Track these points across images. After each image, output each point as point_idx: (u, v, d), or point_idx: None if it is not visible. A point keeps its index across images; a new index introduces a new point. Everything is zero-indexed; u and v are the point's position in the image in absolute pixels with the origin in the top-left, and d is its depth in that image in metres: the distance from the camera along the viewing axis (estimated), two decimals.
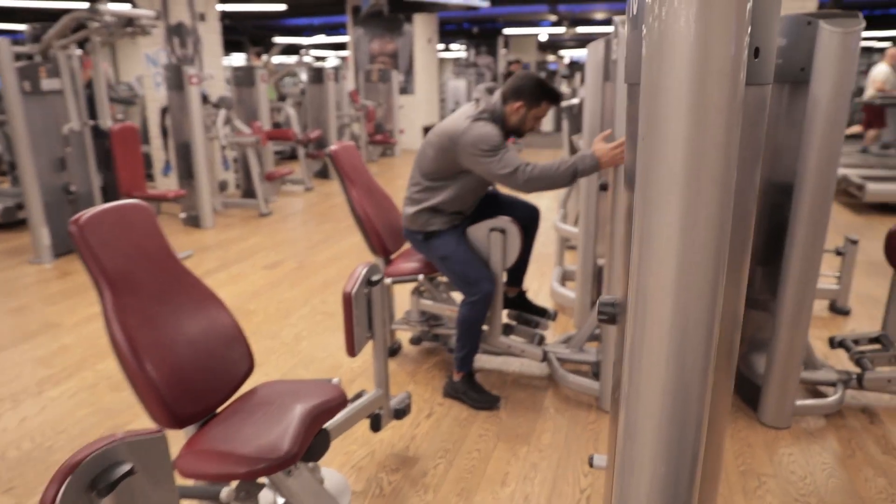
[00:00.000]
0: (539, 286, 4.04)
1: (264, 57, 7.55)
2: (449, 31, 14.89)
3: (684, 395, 0.82)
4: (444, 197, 2.56)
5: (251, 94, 6.72)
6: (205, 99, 6.07)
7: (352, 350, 1.89)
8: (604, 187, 2.56)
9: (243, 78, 6.68)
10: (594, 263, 3.24)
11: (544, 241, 5.08)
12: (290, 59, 9.53)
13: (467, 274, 2.53)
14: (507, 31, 15.56)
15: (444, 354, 3.03)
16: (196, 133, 5.40)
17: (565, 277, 3.89)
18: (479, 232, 2.56)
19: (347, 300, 1.84)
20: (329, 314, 3.59)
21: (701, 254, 0.75)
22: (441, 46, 14.15)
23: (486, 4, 7.84)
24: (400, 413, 2.15)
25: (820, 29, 2.08)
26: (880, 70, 7.77)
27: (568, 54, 23.56)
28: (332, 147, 2.79)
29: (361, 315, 1.90)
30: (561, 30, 14.39)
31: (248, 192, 6.59)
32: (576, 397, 2.65)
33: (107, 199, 5.22)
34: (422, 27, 11.22)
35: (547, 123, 15.12)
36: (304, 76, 9.02)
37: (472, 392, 2.60)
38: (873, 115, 7.93)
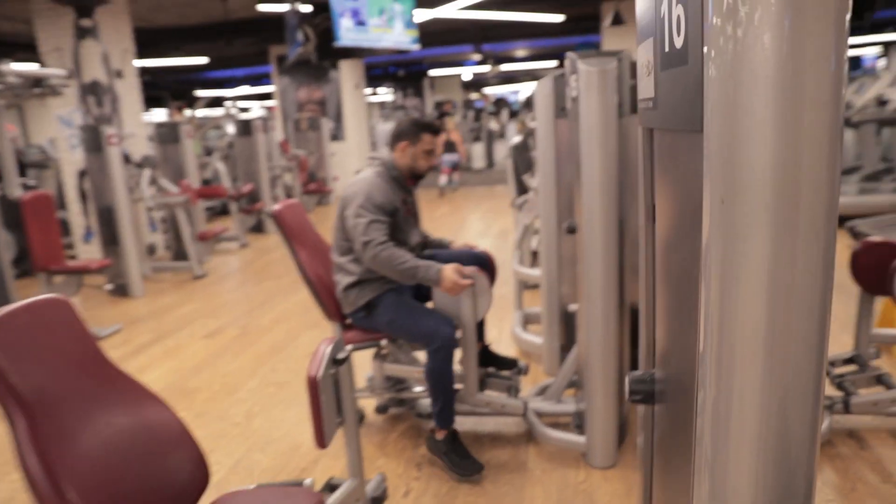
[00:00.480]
0: (499, 332, 3.88)
1: (188, 111, 7.23)
2: (375, 75, 14.91)
3: (788, 469, 0.64)
4: (364, 266, 2.44)
5: (176, 151, 6.39)
6: (126, 159, 5.70)
7: (322, 441, 1.65)
8: (572, 230, 2.45)
9: (167, 134, 6.35)
10: (560, 306, 3.11)
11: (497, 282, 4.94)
12: (215, 112, 9.21)
13: (419, 327, 2.38)
14: (433, 72, 15.74)
15: (412, 420, 2.80)
16: (119, 196, 5.03)
17: (527, 321, 3.75)
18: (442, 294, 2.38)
19: (313, 385, 1.61)
20: (280, 384, 3.29)
21: (803, 311, 0.59)
22: (368, 90, 14.13)
23: (416, 47, 7.83)
24: (378, 501, 1.92)
25: None
26: None
27: (492, 92, 24.10)
28: (276, 207, 2.57)
29: (329, 400, 1.67)
30: (486, 68, 14.66)
31: (180, 254, 6.19)
32: (560, 454, 2.47)
33: (20, 275, 4.75)
34: (349, 73, 11.15)
35: (479, 160, 15.27)
36: (230, 129, 8.72)
37: (454, 455, 2.38)
38: None
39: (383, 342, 2.50)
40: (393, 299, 2.44)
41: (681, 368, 0.79)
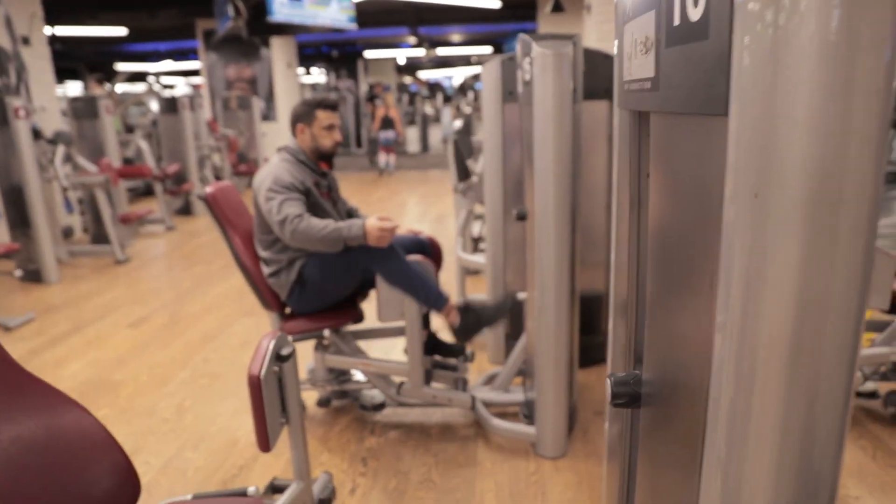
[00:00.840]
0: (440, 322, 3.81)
1: (107, 86, 6.74)
2: (308, 55, 14.44)
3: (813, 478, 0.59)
4: (288, 252, 2.38)
5: (94, 127, 5.94)
6: (37, 134, 5.26)
7: (265, 444, 1.53)
8: (522, 217, 2.40)
9: (84, 109, 5.89)
10: (504, 292, 3.08)
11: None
12: (136, 88, 8.66)
13: (356, 259, 2.31)
14: (367, 53, 15.41)
15: (356, 412, 2.70)
16: (29, 174, 4.62)
17: None
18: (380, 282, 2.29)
19: (255, 385, 1.49)
20: (214, 376, 3.12)
21: (837, 318, 0.54)
22: (301, 71, 13.68)
23: (353, 27, 7.59)
24: (325, 502, 1.82)
25: None
26: None
27: (426, 76, 23.90)
28: (208, 189, 2.39)
29: (273, 399, 1.56)
30: (420, 52, 14.48)
31: (99, 238, 5.80)
32: (509, 445, 2.44)
33: None
34: (280, 51, 10.74)
35: (413, 144, 15.13)
36: (154, 105, 8.23)
37: (485, 315, 2.48)
38: None
39: (326, 332, 2.38)
40: (319, 257, 2.36)
41: (680, 371, 0.74)
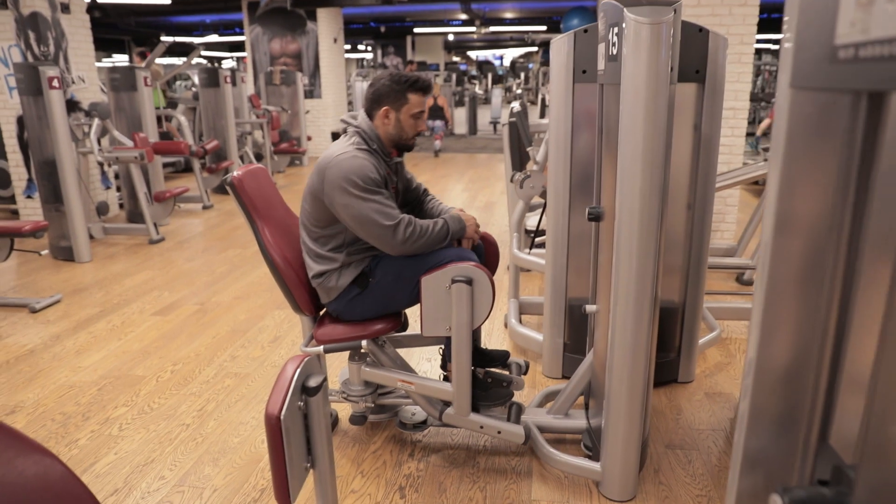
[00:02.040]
0: (489, 322, 3.48)
1: (149, 57, 6.56)
2: (355, 30, 14.13)
3: None
4: (347, 250, 2.08)
5: (132, 100, 5.75)
6: (74, 106, 5.09)
7: (285, 496, 1.23)
8: (596, 217, 2.03)
9: (122, 81, 5.70)
10: (566, 300, 2.72)
11: None
12: (176, 60, 8.48)
13: (437, 258, 2.00)
14: (417, 30, 15.00)
15: (394, 429, 2.40)
16: (62, 147, 4.44)
17: (521, 311, 3.36)
18: (435, 284, 1.95)
19: (275, 427, 1.19)
20: (240, 377, 2.86)
21: None
22: (347, 46, 13.38)
23: None
24: None
25: None
26: None
27: (475, 55, 23.35)
28: (235, 173, 2.09)
29: (297, 441, 1.25)
30: (471, 29, 14.00)
31: (135, 216, 5.64)
32: (569, 480, 2.10)
33: None
34: (326, 25, 10.44)
35: (461, 126, 14.70)
36: (196, 79, 8.03)
37: (478, 390, 2.16)
38: None
39: (364, 342, 2.07)
40: (390, 259, 2.06)
41: None
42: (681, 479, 2.10)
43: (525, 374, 2.40)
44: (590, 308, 2.15)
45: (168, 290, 4.05)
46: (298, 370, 1.27)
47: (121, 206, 6.27)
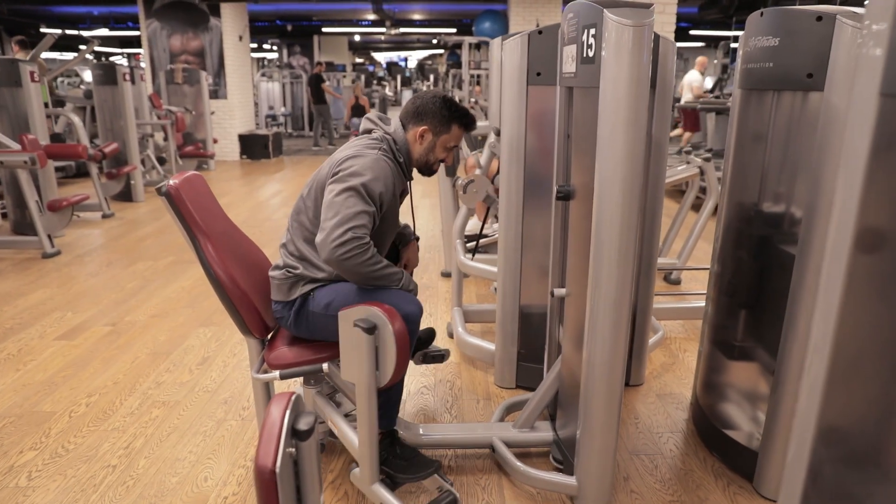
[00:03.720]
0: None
1: (33, 51, 5.91)
2: (260, 27, 13.56)
3: None
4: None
5: (15, 97, 5.15)
6: None
7: None
8: (567, 196, 1.96)
9: (4, 76, 5.09)
10: (519, 306, 2.66)
11: (421, 265, 4.42)
12: (65, 56, 7.76)
13: (366, 297, 1.83)
14: (325, 29, 14.62)
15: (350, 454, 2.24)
16: None
17: (465, 319, 3.27)
18: (347, 321, 1.62)
19: (268, 481, 1.02)
20: (169, 406, 2.58)
21: None
22: (252, 45, 12.82)
23: None
24: None
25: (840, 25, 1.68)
26: (694, 77, 8.31)
27: (381, 57, 23.13)
28: (171, 182, 1.86)
29: (288, 494, 1.09)
30: (380, 30, 13.82)
31: (22, 226, 5.06)
32: (541, 496, 2.03)
33: None
34: (231, 21, 9.93)
35: None
36: (88, 76, 7.35)
37: (397, 460, 1.91)
38: (689, 119, 8.46)
39: (325, 366, 1.90)
40: (337, 284, 1.89)
41: None
42: (651, 486, 2.08)
43: (445, 360, 2.43)
44: (559, 291, 2.08)
45: (71, 310, 3.64)
46: (286, 411, 1.10)
47: (3, 216, 5.62)
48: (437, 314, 3.62)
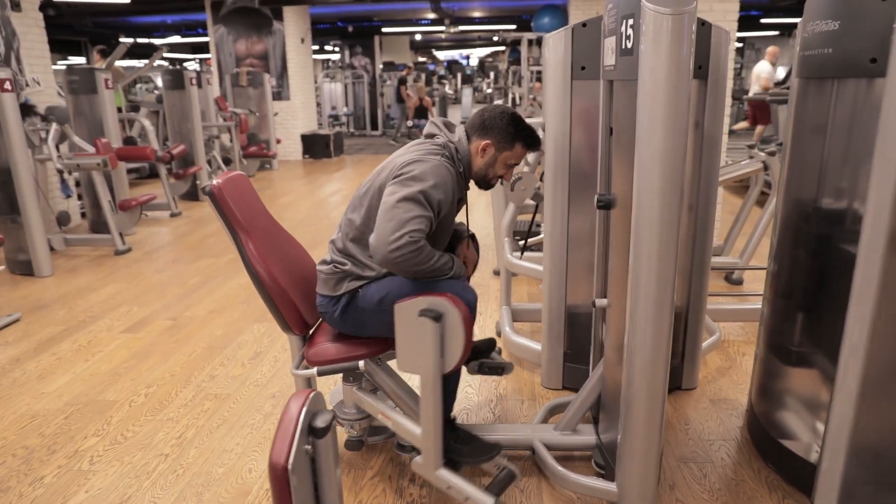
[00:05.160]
0: (478, 329, 3.36)
1: (109, 59, 6.25)
2: (322, 29, 13.86)
3: None
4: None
5: (92, 103, 5.46)
6: (30, 110, 4.80)
7: None
8: (607, 205, 1.90)
9: (81, 84, 5.40)
10: (566, 306, 2.60)
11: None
12: (141, 63, 8.17)
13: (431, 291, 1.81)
14: (385, 29, 14.79)
15: (392, 451, 2.25)
16: (17, 154, 4.16)
17: (514, 318, 3.23)
18: (406, 313, 1.67)
19: (281, 478, 1.03)
20: (221, 398, 2.67)
21: None
22: (314, 47, 13.13)
23: None
24: None
25: None
26: (764, 68, 7.92)
27: (443, 55, 23.21)
28: (214, 182, 1.91)
29: (304, 490, 1.10)
30: (440, 28, 13.86)
31: (98, 225, 5.36)
32: (581, 500, 1.98)
33: None
34: (293, 25, 10.19)
35: None
36: (160, 81, 7.72)
37: (457, 444, 1.93)
38: (759, 111, 8.07)
39: (361, 363, 1.91)
40: (388, 280, 1.89)
41: None
42: (698, 496, 1.99)
43: (509, 372, 2.34)
44: (600, 302, 2.02)
45: (137, 304, 3.82)
46: (305, 409, 1.11)
47: (83, 215, 5.97)
48: (486, 313, 3.59)
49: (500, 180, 2.02)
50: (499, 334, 3.22)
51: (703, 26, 2.25)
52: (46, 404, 2.65)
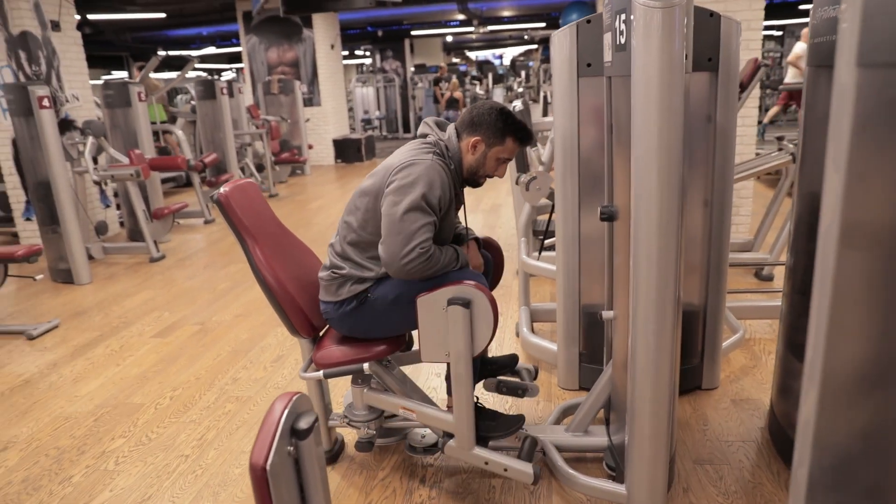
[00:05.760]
0: (500, 332, 3.35)
1: (141, 73, 6.46)
2: (352, 35, 14.03)
3: None
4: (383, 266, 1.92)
5: (127, 116, 5.65)
6: (69, 125, 5.00)
7: None
8: (609, 217, 1.88)
9: (116, 98, 5.60)
10: (580, 306, 2.58)
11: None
12: (170, 75, 8.41)
13: (446, 281, 1.84)
14: (415, 32, 14.88)
15: (403, 453, 2.27)
16: (55, 167, 4.34)
17: (533, 318, 3.21)
18: (431, 305, 1.76)
19: (259, 478, 1.05)
20: (242, 401, 2.73)
21: None
22: (345, 52, 13.29)
23: None
24: None
25: None
26: (801, 47, 7.70)
27: (475, 55, 23.21)
28: (222, 190, 1.96)
29: (288, 490, 1.12)
30: (469, 29, 13.87)
31: (136, 234, 5.54)
32: (591, 502, 1.96)
33: None
34: (323, 31, 10.34)
35: None
36: (193, 92, 7.95)
37: (484, 421, 1.98)
38: (796, 95, 7.83)
39: (366, 365, 1.93)
40: (395, 279, 1.91)
41: None
42: (713, 498, 1.95)
43: (535, 378, 2.31)
44: (606, 314, 2.00)
45: (168, 310, 3.94)
46: (286, 411, 1.13)
47: (121, 224, 6.19)
48: (507, 314, 3.58)
49: (490, 177, 2.01)
50: (517, 334, 3.20)
51: (712, 17, 2.20)
52: (79, 407, 2.76)
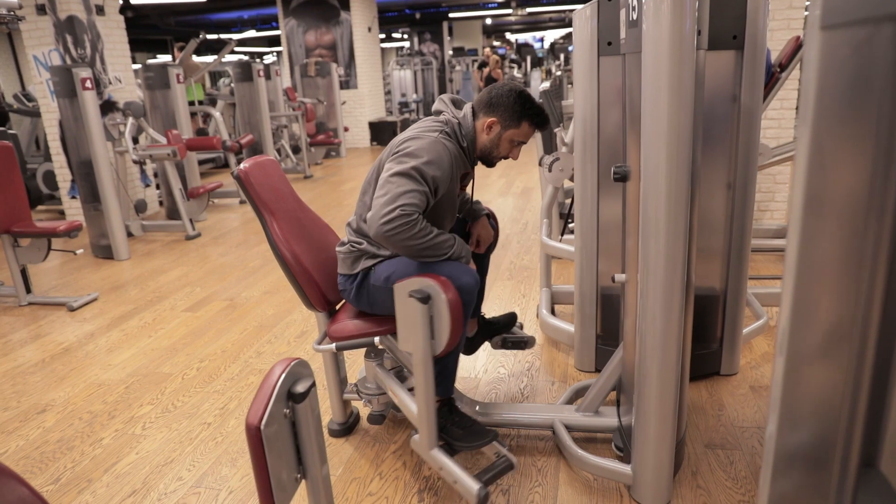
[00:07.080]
0: (522, 312, 3.36)
1: (180, 55, 6.61)
2: (389, 17, 14.04)
3: None
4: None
5: (167, 98, 5.81)
6: (112, 106, 5.17)
7: None
8: (623, 177, 1.84)
9: (156, 79, 5.76)
10: (598, 288, 2.57)
11: (519, 251, 4.40)
12: (208, 58, 8.57)
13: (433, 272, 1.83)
14: (452, 15, 14.80)
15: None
16: (97, 147, 4.50)
17: (556, 300, 3.21)
18: (402, 293, 1.68)
19: (254, 437, 1.10)
20: (264, 373, 2.79)
21: None
22: (382, 35, 13.31)
23: None
24: None
25: None
26: None
27: (514, 38, 22.97)
28: (242, 166, 2.02)
29: (284, 450, 1.17)
30: (507, 11, 13.72)
31: (174, 212, 5.72)
32: (598, 483, 1.97)
33: None
34: (360, 14, 10.38)
35: None
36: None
37: (454, 428, 1.93)
38: None
39: (377, 339, 1.97)
40: (397, 259, 1.94)
41: None
42: (721, 483, 1.94)
43: (531, 346, 2.45)
44: (619, 277, 1.98)
45: (200, 285, 4.07)
46: (283, 375, 1.18)
47: (160, 203, 6.38)
48: (530, 295, 3.59)
49: (505, 159, 2.02)
50: (538, 315, 3.21)
51: None
52: (112, 375, 2.89)
